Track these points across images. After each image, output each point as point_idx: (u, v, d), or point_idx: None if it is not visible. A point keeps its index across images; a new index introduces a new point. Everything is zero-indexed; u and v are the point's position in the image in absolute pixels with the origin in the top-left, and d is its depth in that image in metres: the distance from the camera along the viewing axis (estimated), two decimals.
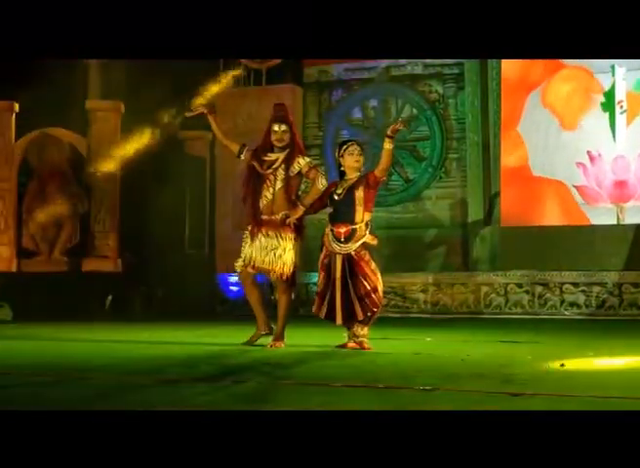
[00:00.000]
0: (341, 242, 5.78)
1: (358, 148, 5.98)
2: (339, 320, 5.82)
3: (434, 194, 12.01)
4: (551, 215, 11.17)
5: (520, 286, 10.84)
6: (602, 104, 11.11)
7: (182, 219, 12.72)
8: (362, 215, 5.84)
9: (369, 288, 5.74)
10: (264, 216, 5.96)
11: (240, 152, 6.17)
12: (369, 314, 5.79)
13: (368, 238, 5.84)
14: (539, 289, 10.74)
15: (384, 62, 12.26)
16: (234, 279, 12.28)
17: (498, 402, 3.32)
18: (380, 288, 5.83)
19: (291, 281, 6.04)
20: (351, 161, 5.91)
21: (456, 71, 11.88)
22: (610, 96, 11.03)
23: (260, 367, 4.78)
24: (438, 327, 8.95)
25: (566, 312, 10.57)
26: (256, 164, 6.01)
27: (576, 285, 10.57)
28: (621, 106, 10.95)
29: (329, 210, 5.97)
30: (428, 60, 12.03)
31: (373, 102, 12.47)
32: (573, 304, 10.58)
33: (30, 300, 10.40)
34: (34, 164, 12.20)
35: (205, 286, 12.15)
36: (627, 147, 10.89)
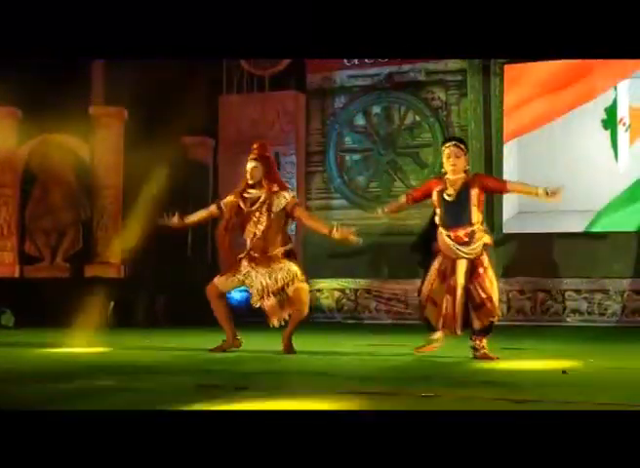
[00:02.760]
0: (462, 245, 5.52)
1: (455, 150, 5.65)
2: (459, 330, 5.58)
3: None
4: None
5: (522, 293, 10.84)
6: (603, 121, 10.94)
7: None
8: (477, 216, 5.60)
9: (484, 296, 5.46)
10: (256, 254, 5.99)
11: (219, 207, 6.20)
12: (485, 323, 5.52)
13: (487, 238, 5.61)
14: (541, 296, 10.75)
15: (387, 69, 12.29)
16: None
17: (501, 408, 3.32)
18: (496, 297, 5.52)
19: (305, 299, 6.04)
20: (447, 165, 5.65)
21: (458, 78, 11.91)
22: (611, 112, 10.89)
23: (264, 373, 4.78)
24: None
25: (568, 319, 10.57)
26: (240, 203, 6.02)
27: (578, 292, 10.58)
28: (624, 123, 10.72)
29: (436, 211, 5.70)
30: (431, 67, 12.06)
31: (376, 109, 12.50)
32: (575, 311, 10.58)
33: (32, 307, 10.40)
34: (37, 170, 12.21)
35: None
36: (631, 167, 10.75)
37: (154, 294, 11.31)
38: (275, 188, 6.02)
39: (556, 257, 10.86)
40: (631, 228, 10.69)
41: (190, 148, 12.88)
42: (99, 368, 5.04)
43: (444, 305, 5.52)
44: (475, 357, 5.52)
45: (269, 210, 5.95)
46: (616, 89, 10.79)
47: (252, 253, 5.99)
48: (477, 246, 5.51)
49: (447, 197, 5.57)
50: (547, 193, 5.52)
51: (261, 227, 5.97)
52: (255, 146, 6.14)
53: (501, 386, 4.10)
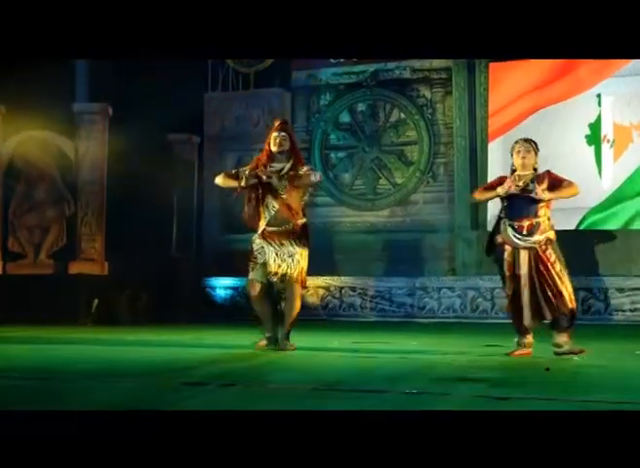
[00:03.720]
0: (524, 235, 5.55)
1: (525, 145, 5.75)
2: (526, 320, 5.56)
3: (422, 198, 12.05)
4: None
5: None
6: (587, 137, 10.91)
7: (170, 222, 12.69)
8: (544, 210, 5.60)
9: (550, 292, 5.47)
10: (274, 228, 5.94)
11: (241, 179, 6.00)
12: (557, 315, 5.48)
13: (552, 234, 5.60)
14: None
15: (373, 67, 12.30)
16: (222, 282, 12.28)
17: (484, 405, 3.33)
18: (567, 292, 5.49)
19: (304, 286, 6.07)
20: (517, 159, 5.71)
21: (443, 76, 11.93)
22: (595, 128, 10.88)
23: (246, 370, 4.78)
24: (424, 331, 8.97)
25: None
26: (261, 174, 5.97)
27: None
28: (608, 140, 10.68)
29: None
30: (417, 65, 12.08)
31: (361, 107, 12.51)
32: None
33: (16, 303, 10.35)
34: (21, 167, 12.14)
35: (192, 289, 12.14)
36: (614, 184, 10.72)
37: (139, 291, 11.27)
38: (299, 162, 6.06)
39: None
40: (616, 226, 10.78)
41: (175, 145, 12.85)
42: (80, 364, 5.03)
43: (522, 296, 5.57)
44: (556, 354, 5.46)
45: (291, 182, 5.92)
46: (600, 104, 10.77)
47: (268, 227, 5.93)
48: (539, 238, 5.53)
49: (513, 190, 5.62)
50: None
51: (281, 200, 5.92)
52: (279, 122, 6.15)
53: (482, 382, 4.12)
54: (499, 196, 5.72)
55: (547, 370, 4.64)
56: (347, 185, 12.44)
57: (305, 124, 12.70)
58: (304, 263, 5.97)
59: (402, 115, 12.23)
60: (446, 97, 11.95)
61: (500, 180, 5.78)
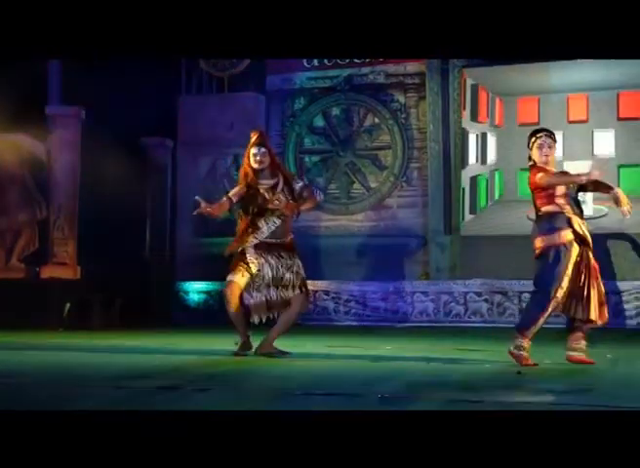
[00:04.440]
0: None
1: (549, 140, 5.38)
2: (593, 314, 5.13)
3: (396, 203, 12.08)
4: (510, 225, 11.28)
5: (479, 294, 10.93)
6: None
7: (143, 226, 12.64)
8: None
9: (587, 294, 5.15)
10: (273, 240, 5.96)
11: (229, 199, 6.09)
12: (582, 320, 5.19)
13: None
14: (497, 297, 10.85)
15: (347, 71, 12.33)
16: (196, 286, 12.24)
17: (457, 409, 3.34)
18: (596, 300, 5.15)
19: (307, 294, 6.08)
20: (541, 155, 5.36)
21: (417, 81, 11.98)
22: None
23: (220, 375, 4.77)
24: (398, 335, 9.00)
25: None
26: (262, 190, 5.97)
27: None
28: None
29: None
30: (391, 70, 12.12)
31: (335, 111, 12.53)
32: None
33: None
34: None
35: (166, 293, 12.10)
36: None
37: (111, 296, 11.22)
38: (289, 177, 6.14)
39: (513, 259, 10.95)
40: None
41: (149, 149, 12.80)
42: (52, 369, 4.99)
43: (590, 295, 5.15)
44: (567, 359, 5.26)
45: (287, 197, 5.97)
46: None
47: (269, 240, 5.95)
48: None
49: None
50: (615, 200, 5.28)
51: (280, 215, 5.96)
52: (257, 134, 6.08)
53: (457, 387, 4.13)
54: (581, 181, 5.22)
55: (519, 373, 4.66)
56: (321, 189, 12.45)
57: (280, 128, 12.69)
58: (303, 273, 6.03)
59: (376, 120, 12.27)
60: (420, 102, 12.00)
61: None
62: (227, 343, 6.15)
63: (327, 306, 11.61)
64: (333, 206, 12.35)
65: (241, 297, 5.94)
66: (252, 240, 5.99)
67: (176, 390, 3.90)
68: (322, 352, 6.42)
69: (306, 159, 12.62)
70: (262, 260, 5.93)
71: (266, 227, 5.98)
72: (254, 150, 5.99)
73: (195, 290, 12.22)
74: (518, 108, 11.76)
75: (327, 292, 11.63)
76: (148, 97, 11.26)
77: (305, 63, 12.50)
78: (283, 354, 5.85)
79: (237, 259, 6.01)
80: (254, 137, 6.06)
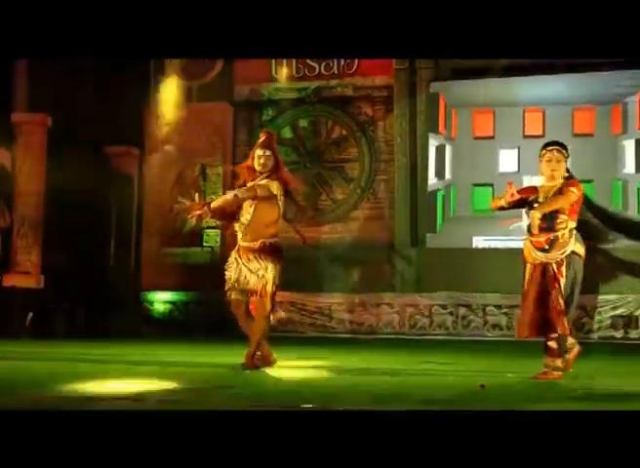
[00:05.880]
0: (543, 251, 5.19)
1: (558, 154, 5.27)
2: (523, 332, 5.22)
3: (362, 215, 12.11)
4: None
5: (444, 307, 10.98)
6: None
7: (108, 235, 12.55)
8: (566, 223, 5.20)
9: (551, 308, 5.15)
10: (244, 243, 5.81)
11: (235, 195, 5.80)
12: (548, 339, 5.18)
13: (576, 247, 5.23)
14: (462, 310, 10.90)
15: (315, 83, 12.36)
16: (161, 296, 12.17)
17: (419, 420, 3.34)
18: (564, 312, 5.13)
19: (271, 304, 5.81)
20: (547, 169, 5.28)
21: (385, 94, 12.04)
22: None
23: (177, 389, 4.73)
24: (363, 347, 9.00)
25: (488, 334, 10.73)
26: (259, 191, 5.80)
27: (498, 307, 10.75)
28: None
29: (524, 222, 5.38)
30: (359, 82, 12.17)
31: (303, 123, 12.56)
32: (495, 326, 10.75)
33: None
34: None
35: (130, 303, 12.01)
36: None
37: (75, 305, 11.12)
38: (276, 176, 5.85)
39: (477, 272, 11.02)
40: None
41: (115, 157, 12.73)
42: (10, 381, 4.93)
43: (529, 311, 5.19)
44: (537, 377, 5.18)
45: (255, 197, 5.73)
46: None
47: (242, 242, 5.79)
48: (557, 253, 5.18)
49: (536, 205, 5.23)
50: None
51: (249, 216, 5.75)
52: (264, 136, 5.90)
53: (421, 400, 4.14)
54: (503, 207, 5.33)
55: (482, 386, 4.68)
56: None
57: (247, 138, 12.68)
58: (270, 277, 5.75)
59: (344, 132, 12.31)
60: (387, 115, 12.06)
61: (528, 191, 5.37)
62: (183, 355, 6.06)
63: (292, 318, 11.59)
64: (299, 217, 12.34)
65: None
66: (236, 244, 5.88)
67: (139, 401, 3.86)
68: (286, 364, 6.39)
69: None
70: (235, 266, 5.79)
71: (238, 227, 5.81)
72: (259, 151, 5.81)
73: (160, 300, 12.14)
74: (473, 121, 11.80)
75: (293, 304, 11.62)
76: (116, 105, 11.21)
77: (274, 74, 12.51)
78: (267, 364, 5.78)
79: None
80: (262, 138, 5.90)
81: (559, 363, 5.24)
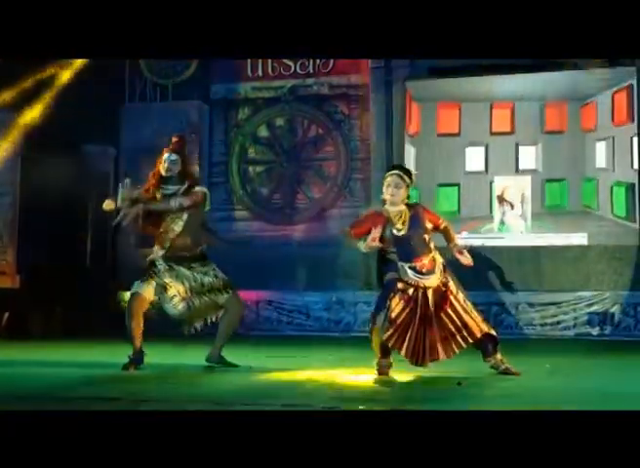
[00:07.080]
0: (428, 274, 5.24)
1: (397, 179, 5.36)
2: (427, 361, 5.17)
3: (339, 214, 12.12)
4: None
5: None
6: None
7: (84, 235, 12.48)
8: (431, 242, 5.36)
9: (459, 323, 5.20)
10: (180, 253, 5.76)
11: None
12: (467, 346, 5.21)
13: (440, 258, 5.36)
14: None
15: (291, 82, 12.36)
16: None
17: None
18: (473, 321, 5.21)
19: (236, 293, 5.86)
20: (386, 194, 5.37)
21: (361, 93, 12.05)
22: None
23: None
24: (341, 345, 9.01)
25: None
26: (158, 196, 5.80)
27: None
28: None
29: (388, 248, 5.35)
30: (334, 81, 12.18)
31: (279, 121, 12.55)
32: None
33: None
34: None
35: (107, 303, 11.95)
36: None
37: (51, 305, 11.05)
38: (192, 183, 5.85)
39: (454, 270, 11.03)
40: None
41: (90, 157, 12.65)
42: None
43: (413, 335, 5.13)
44: (500, 373, 5.24)
45: (190, 204, 5.73)
46: None
47: (171, 251, 5.75)
48: (440, 272, 5.30)
49: (397, 232, 5.29)
50: (458, 251, 5.42)
51: (183, 223, 5.76)
52: (175, 140, 5.92)
53: (395, 398, 4.16)
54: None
55: (459, 384, 4.71)
56: (265, 200, 12.45)
57: (224, 137, 12.67)
58: (224, 275, 5.82)
59: (320, 131, 12.31)
60: (363, 114, 12.07)
61: (371, 223, 5.34)
62: (154, 356, 5.99)
63: (270, 316, 11.59)
64: (276, 216, 12.35)
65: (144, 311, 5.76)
66: (158, 250, 5.82)
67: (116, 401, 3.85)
68: (262, 363, 6.39)
69: (250, 169, 12.61)
70: (172, 271, 5.75)
71: (166, 236, 5.79)
72: (165, 156, 5.81)
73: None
74: (438, 116, 11.64)
75: (270, 302, 11.62)
76: (91, 104, 11.13)
77: (250, 73, 12.50)
78: (232, 365, 5.76)
79: (147, 269, 5.85)
80: (172, 142, 5.91)
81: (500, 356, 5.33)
